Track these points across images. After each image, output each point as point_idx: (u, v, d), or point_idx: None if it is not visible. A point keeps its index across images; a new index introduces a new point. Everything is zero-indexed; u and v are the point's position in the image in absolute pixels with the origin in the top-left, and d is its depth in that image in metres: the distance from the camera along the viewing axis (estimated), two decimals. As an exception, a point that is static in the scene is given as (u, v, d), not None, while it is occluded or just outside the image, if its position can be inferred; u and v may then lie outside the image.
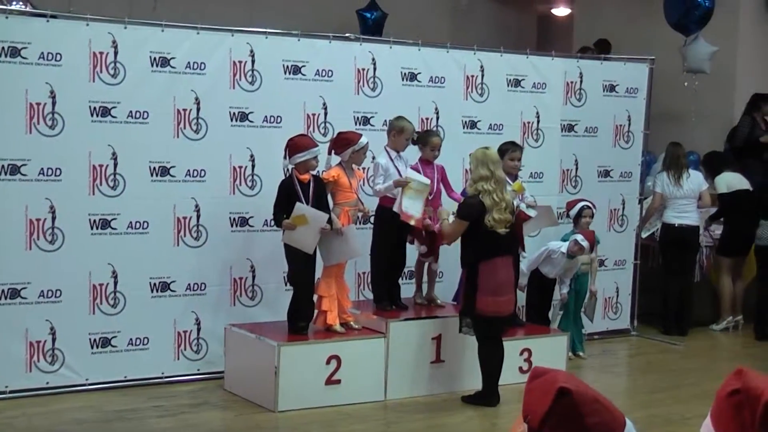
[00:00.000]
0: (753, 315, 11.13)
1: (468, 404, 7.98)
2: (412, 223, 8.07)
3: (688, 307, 11.03)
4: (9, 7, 8.67)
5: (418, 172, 8.26)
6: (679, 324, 10.92)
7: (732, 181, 11.29)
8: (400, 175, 8.18)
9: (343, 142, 8.00)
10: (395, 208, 8.04)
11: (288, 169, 7.96)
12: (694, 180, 10.95)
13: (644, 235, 11.15)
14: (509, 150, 8.89)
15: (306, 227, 7.67)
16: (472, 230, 7.75)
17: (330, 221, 7.76)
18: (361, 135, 8.10)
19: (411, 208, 8.03)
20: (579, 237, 9.18)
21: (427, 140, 8.45)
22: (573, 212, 9.61)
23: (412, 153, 8.53)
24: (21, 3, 10.66)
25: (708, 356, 10.07)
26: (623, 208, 10.67)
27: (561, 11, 16.77)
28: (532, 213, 8.84)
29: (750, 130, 12.32)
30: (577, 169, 10.36)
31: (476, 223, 7.70)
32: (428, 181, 8.15)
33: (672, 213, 10.90)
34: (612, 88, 10.52)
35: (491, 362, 7.94)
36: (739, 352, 10.31)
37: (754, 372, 2.28)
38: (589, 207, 9.64)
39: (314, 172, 7.94)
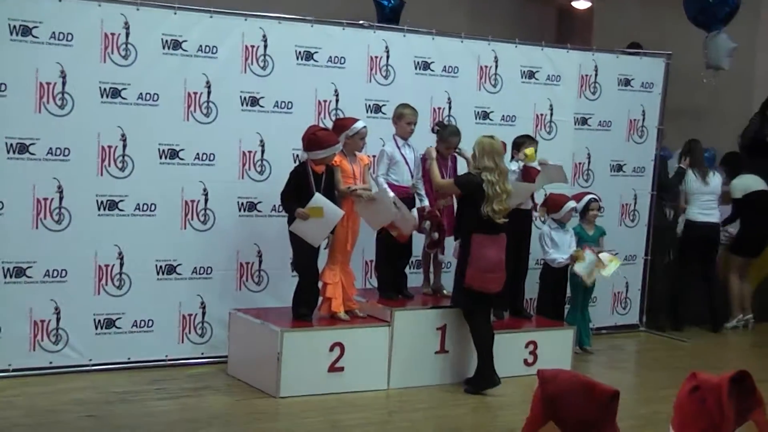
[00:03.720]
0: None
1: (471, 394, 7.98)
2: (394, 233, 8.10)
3: (717, 304, 11.01)
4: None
5: (438, 160, 8.28)
6: (712, 320, 10.97)
7: (749, 182, 11.21)
8: (407, 163, 8.23)
9: (338, 128, 7.99)
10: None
11: (303, 158, 7.89)
12: (719, 178, 10.95)
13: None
14: (525, 143, 8.88)
15: (319, 220, 7.64)
16: (468, 204, 7.84)
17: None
18: (356, 120, 8.08)
19: (401, 225, 8.08)
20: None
21: (445, 137, 8.41)
22: (580, 205, 9.53)
23: (424, 142, 8.51)
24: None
25: (716, 354, 10.00)
26: (635, 203, 10.62)
27: (581, 4, 16.68)
28: (538, 167, 8.90)
29: (759, 128, 12.20)
30: (589, 162, 10.31)
31: (471, 199, 7.78)
32: (414, 222, 8.20)
33: (697, 210, 10.87)
34: (627, 82, 10.46)
35: (483, 336, 7.97)
36: (746, 351, 10.26)
37: (705, 373, 2.33)
38: (596, 200, 9.61)
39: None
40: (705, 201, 10.84)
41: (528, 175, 8.76)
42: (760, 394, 2.61)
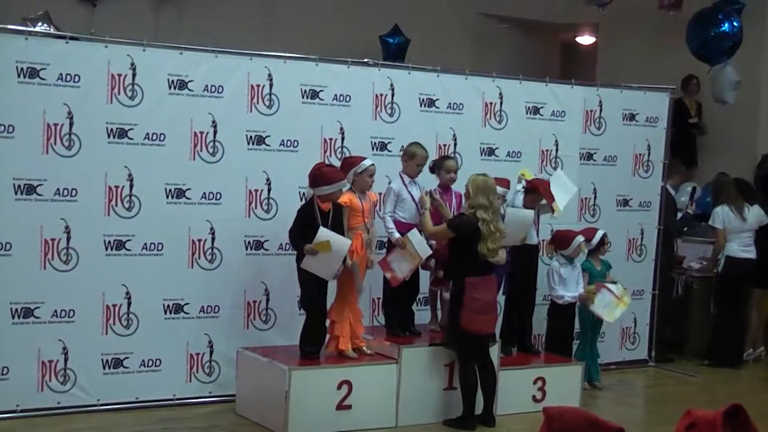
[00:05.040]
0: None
1: (449, 427, 7.96)
2: (388, 276, 8.07)
3: (741, 340, 10.97)
4: (31, 29, 8.74)
5: (440, 197, 8.25)
6: (733, 357, 10.87)
7: (761, 214, 11.17)
8: (414, 201, 8.19)
9: (346, 166, 8.02)
10: (379, 261, 8.13)
11: (309, 195, 7.92)
12: (755, 211, 10.92)
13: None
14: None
15: (327, 254, 7.64)
16: (463, 247, 7.81)
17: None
18: (364, 158, 8.10)
19: (397, 267, 8.05)
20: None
21: (441, 164, 8.45)
22: (594, 241, 9.47)
23: (429, 180, 8.51)
24: (45, 25, 10.78)
25: (725, 389, 9.94)
26: (642, 238, 10.61)
27: (586, 40, 16.74)
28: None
29: None
30: (595, 197, 10.32)
31: (466, 241, 7.75)
32: (426, 254, 8.11)
33: (737, 246, 10.85)
34: (632, 117, 10.49)
35: (469, 381, 7.92)
36: (756, 386, 10.19)
37: (700, 409, 2.35)
38: (606, 235, 9.60)
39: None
40: (745, 238, 10.84)
41: (537, 190, 8.81)
42: (756, 426, 2.61)
